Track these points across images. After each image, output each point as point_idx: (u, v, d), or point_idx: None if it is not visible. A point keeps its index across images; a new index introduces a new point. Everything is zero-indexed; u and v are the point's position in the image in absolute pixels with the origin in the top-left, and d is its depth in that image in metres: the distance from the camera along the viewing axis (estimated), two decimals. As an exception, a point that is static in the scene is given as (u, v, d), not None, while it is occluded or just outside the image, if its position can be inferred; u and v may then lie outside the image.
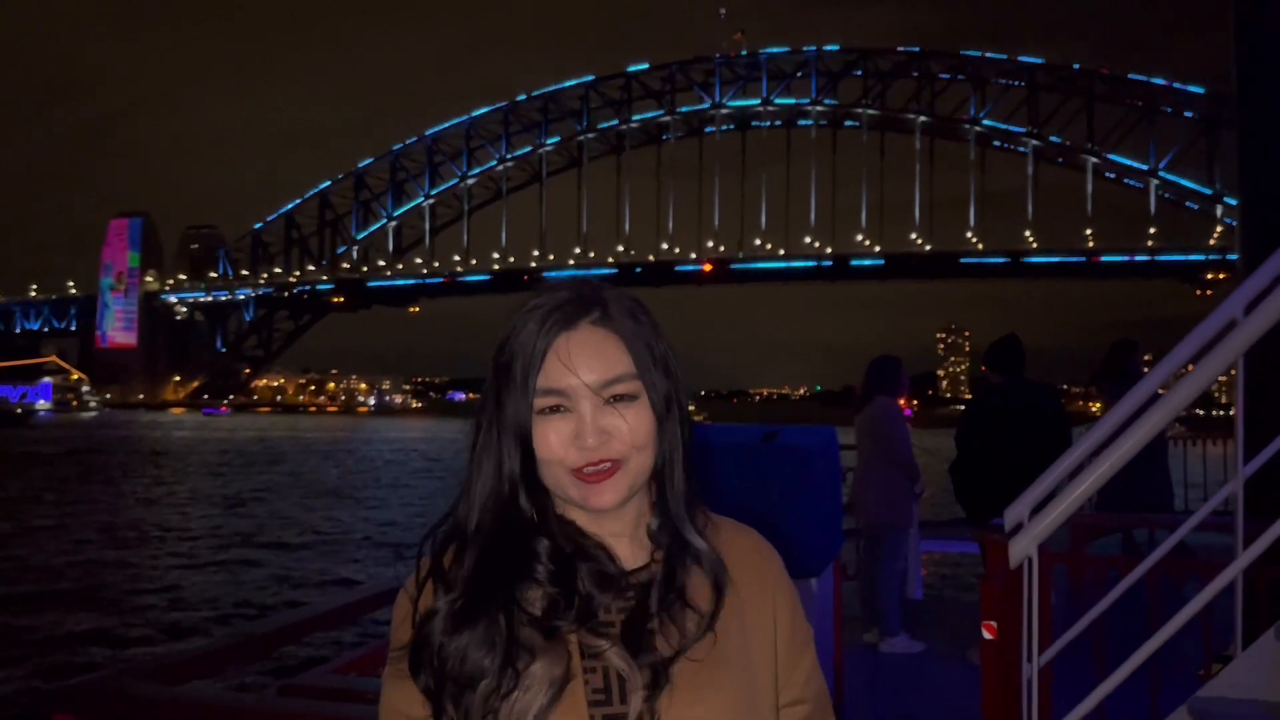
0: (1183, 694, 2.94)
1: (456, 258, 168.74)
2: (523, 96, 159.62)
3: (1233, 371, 2.89)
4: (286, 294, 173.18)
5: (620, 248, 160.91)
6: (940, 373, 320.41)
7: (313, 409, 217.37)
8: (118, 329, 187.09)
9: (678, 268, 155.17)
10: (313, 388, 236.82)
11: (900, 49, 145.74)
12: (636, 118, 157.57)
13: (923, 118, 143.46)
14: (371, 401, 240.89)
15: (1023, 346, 5.58)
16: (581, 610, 1.01)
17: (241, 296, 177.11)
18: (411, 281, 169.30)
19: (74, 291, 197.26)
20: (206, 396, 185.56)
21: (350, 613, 2.88)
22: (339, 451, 56.21)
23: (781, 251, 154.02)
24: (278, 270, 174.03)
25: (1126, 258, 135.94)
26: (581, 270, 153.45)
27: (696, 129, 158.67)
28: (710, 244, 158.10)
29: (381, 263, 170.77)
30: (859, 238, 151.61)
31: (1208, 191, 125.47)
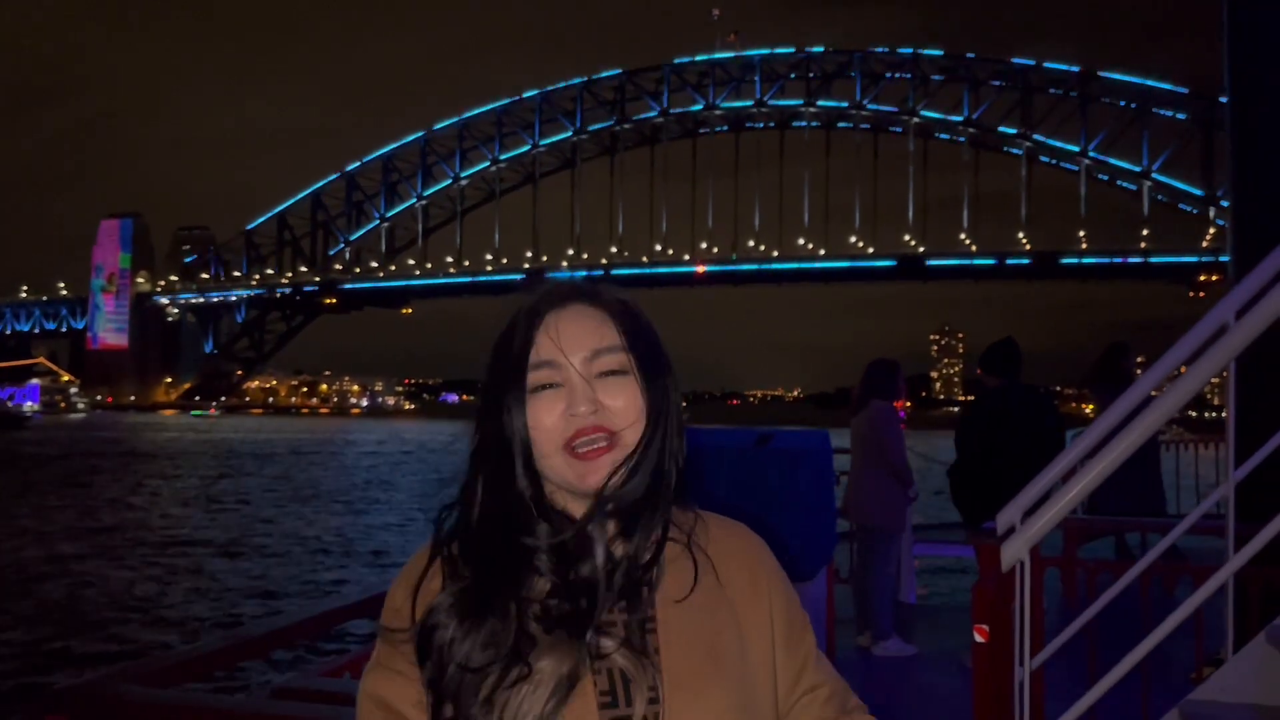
0: (1174, 697, 2.95)
1: (449, 259, 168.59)
2: (516, 97, 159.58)
3: (1224, 375, 2.91)
4: (278, 295, 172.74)
5: (614, 249, 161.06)
6: (934, 374, 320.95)
7: (305, 410, 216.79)
8: (109, 330, 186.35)
9: (671, 269, 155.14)
10: (305, 389, 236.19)
11: (893, 50, 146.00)
12: (630, 119, 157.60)
13: (915, 119, 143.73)
14: (364, 403, 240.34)
15: (1019, 350, 5.60)
16: (586, 607, 1.00)
17: (233, 298, 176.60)
18: (404, 283, 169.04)
19: (65, 293, 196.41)
20: (198, 398, 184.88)
21: (342, 616, 2.88)
22: (327, 454, 56.00)
23: (775, 253, 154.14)
24: (270, 271, 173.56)
25: (1119, 260, 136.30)
26: (576, 272, 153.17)
27: (690, 130, 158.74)
28: (704, 245, 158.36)
29: (374, 264, 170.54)
30: (852, 239, 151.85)
31: (1200, 193, 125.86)
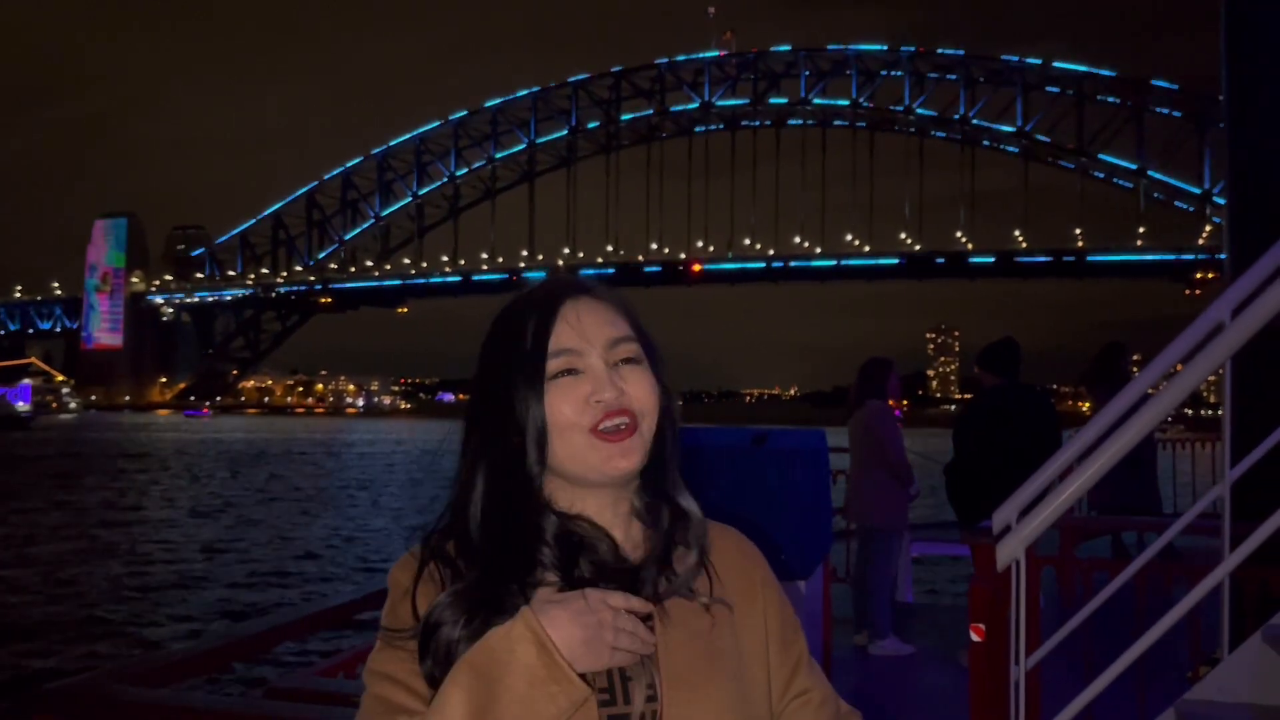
0: (1170, 696, 2.94)
1: (445, 258, 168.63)
2: (512, 96, 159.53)
3: (1220, 373, 2.91)
4: (274, 295, 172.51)
5: (610, 247, 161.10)
6: (930, 373, 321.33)
7: (300, 410, 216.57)
8: (103, 330, 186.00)
9: (667, 267, 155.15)
10: (300, 389, 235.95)
11: (889, 49, 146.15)
12: (626, 117, 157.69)
13: (911, 117, 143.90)
14: (360, 403, 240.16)
15: (1018, 349, 5.59)
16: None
17: (228, 297, 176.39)
18: (399, 282, 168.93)
19: (59, 292, 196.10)
20: (193, 398, 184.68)
21: (335, 616, 2.87)
22: (320, 454, 55.85)
23: (771, 251, 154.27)
24: (265, 271, 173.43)
25: (1116, 257, 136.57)
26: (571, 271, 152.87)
27: (686, 129, 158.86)
28: (700, 244, 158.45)
29: (369, 263, 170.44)
30: (848, 237, 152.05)
31: (1197, 191, 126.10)
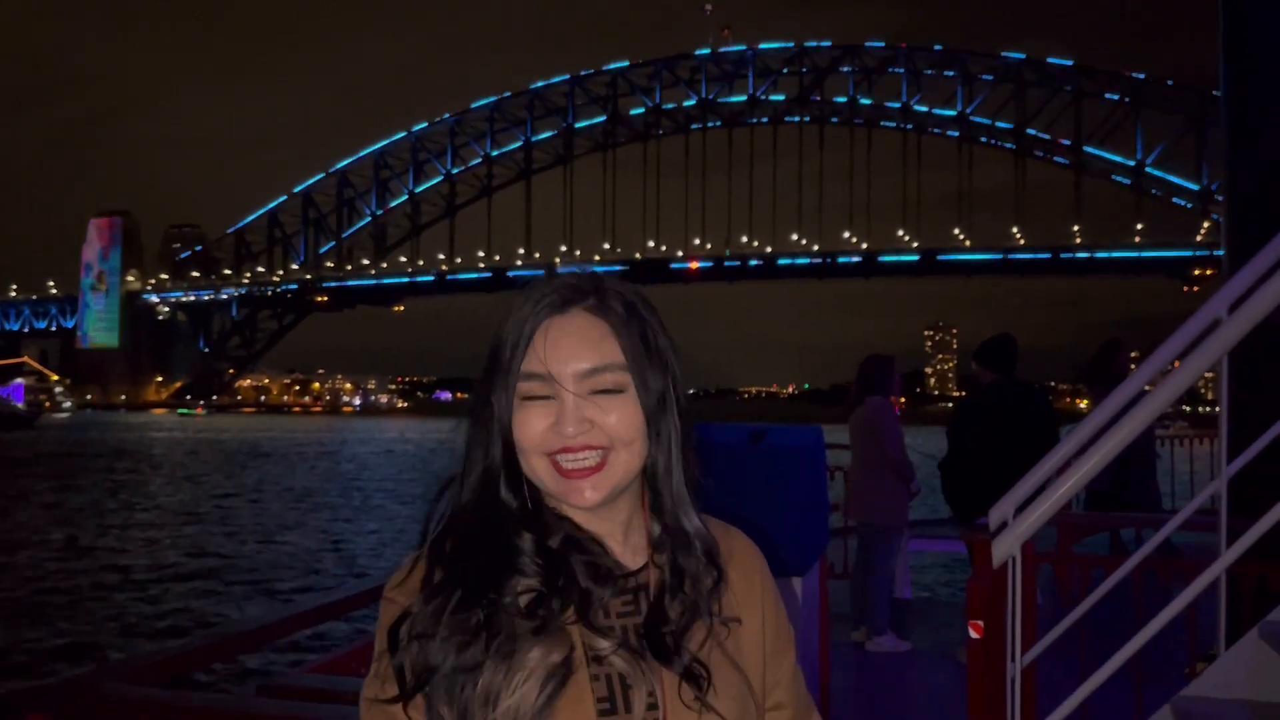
0: (1167, 693, 2.94)
1: (441, 256, 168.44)
2: (508, 94, 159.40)
3: (1218, 370, 2.90)
4: (270, 293, 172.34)
5: (607, 245, 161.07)
6: (928, 370, 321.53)
7: (297, 409, 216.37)
8: (99, 329, 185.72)
9: (664, 265, 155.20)
10: (297, 388, 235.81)
11: (886, 45, 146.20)
12: (623, 115, 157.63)
13: (909, 115, 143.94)
14: (357, 401, 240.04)
15: (1015, 345, 5.58)
16: (581, 604, 0.97)
17: (224, 296, 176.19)
18: (396, 280, 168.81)
19: (55, 291, 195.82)
20: (189, 397, 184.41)
21: (327, 614, 2.86)
22: (311, 454, 55.68)
23: (769, 249, 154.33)
24: (261, 269, 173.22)
25: (1114, 254, 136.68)
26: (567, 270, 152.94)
27: (683, 126, 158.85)
28: (697, 241, 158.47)
29: (365, 261, 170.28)
30: (846, 234, 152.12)
31: (1195, 187, 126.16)
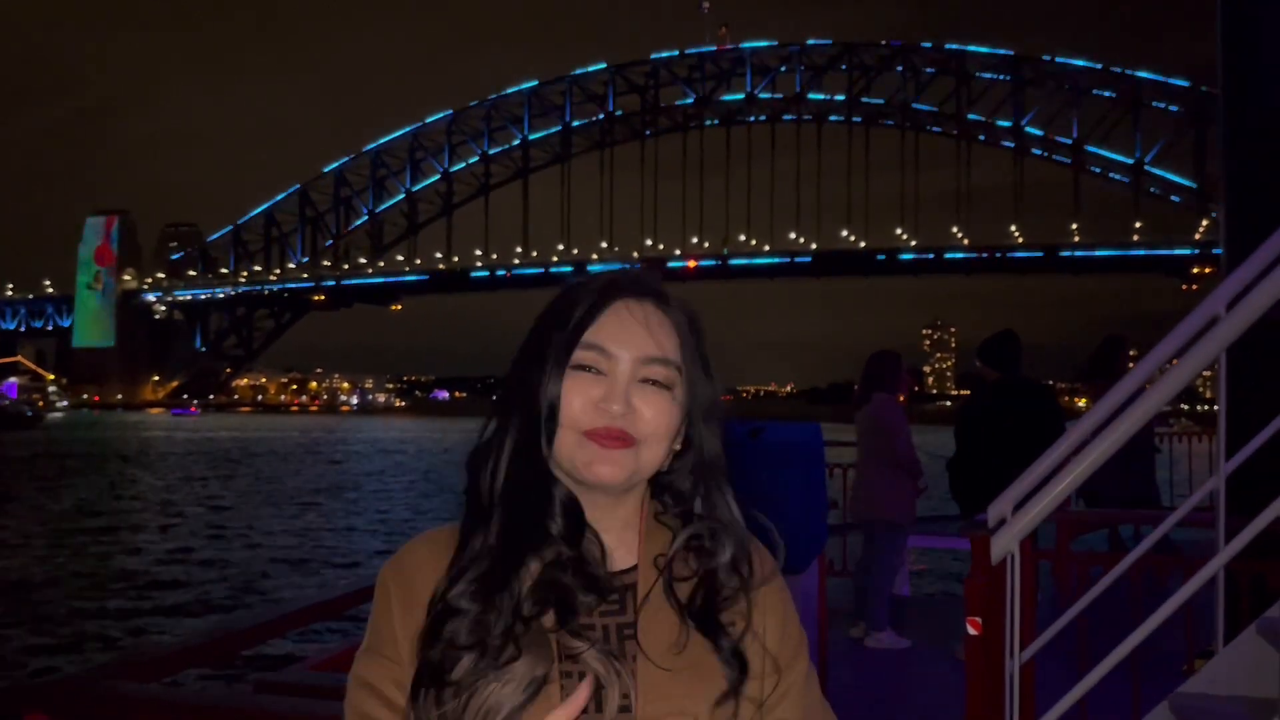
0: (1165, 689, 2.95)
1: (439, 255, 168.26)
2: (506, 92, 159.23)
3: (1216, 367, 2.91)
4: (266, 292, 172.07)
5: (605, 244, 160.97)
6: (926, 369, 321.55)
7: (295, 408, 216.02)
8: (95, 328, 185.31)
9: (665, 264, 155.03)
10: (294, 387, 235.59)
11: (884, 43, 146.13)
12: (620, 113, 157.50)
13: (907, 112, 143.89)
14: (354, 401, 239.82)
15: (1019, 342, 5.56)
16: (562, 609, 0.98)
17: (221, 295, 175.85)
18: (393, 279, 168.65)
19: (51, 290, 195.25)
20: (186, 396, 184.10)
21: (328, 610, 2.86)
22: (303, 453, 55.50)
23: (767, 247, 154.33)
24: (258, 268, 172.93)
25: (1112, 252, 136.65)
26: (566, 269, 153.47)
27: (680, 124, 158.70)
28: (695, 240, 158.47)
29: (363, 260, 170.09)
30: (844, 233, 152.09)
31: (1193, 185, 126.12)
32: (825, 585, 4.17)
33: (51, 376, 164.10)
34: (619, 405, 1.00)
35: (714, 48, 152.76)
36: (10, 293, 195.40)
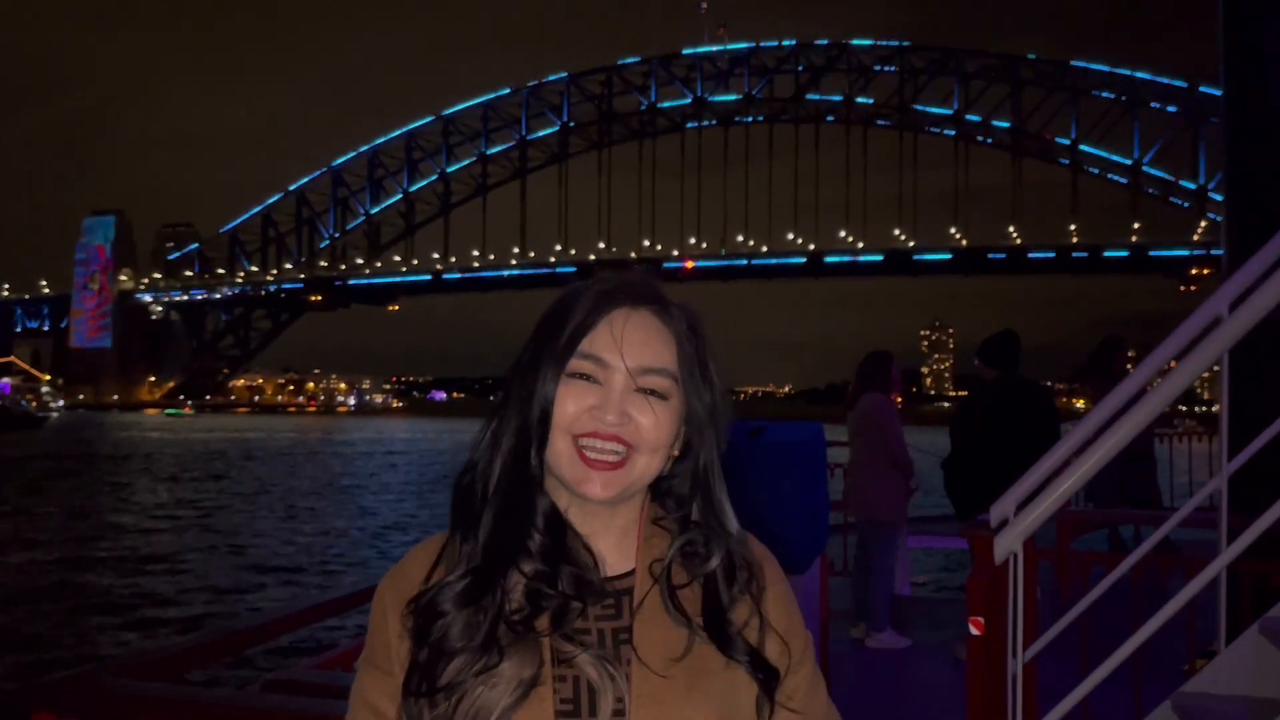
0: (1167, 689, 2.95)
1: (436, 255, 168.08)
2: (503, 91, 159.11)
3: (1216, 368, 2.91)
4: (263, 293, 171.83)
5: (602, 244, 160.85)
6: (925, 370, 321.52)
7: (292, 409, 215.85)
8: (91, 329, 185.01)
9: (661, 265, 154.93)
10: (291, 387, 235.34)
11: (882, 43, 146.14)
12: (618, 113, 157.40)
13: (905, 113, 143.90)
14: (351, 401, 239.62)
15: (1018, 342, 5.56)
16: (557, 614, 0.98)
17: (218, 295, 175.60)
18: (390, 279, 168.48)
19: (47, 291, 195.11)
20: (183, 397, 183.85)
21: (332, 609, 2.86)
22: (298, 454, 55.27)
23: (765, 248, 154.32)
24: (254, 269, 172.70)
25: (1111, 253, 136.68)
26: (565, 268, 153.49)
27: (678, 124, 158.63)
28: (692, 240, 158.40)
29: (360, 261, 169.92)
30: (842, 233, 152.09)
31: (1192, 186, 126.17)
32: (826, 585, 4.17)
33: (47, 377, 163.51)
34: (613, 415, 0.99)
35: (712, 48, 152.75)
36: (6, 293, 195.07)
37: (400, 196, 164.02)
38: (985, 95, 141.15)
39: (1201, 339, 2.87)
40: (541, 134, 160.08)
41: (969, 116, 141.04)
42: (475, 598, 0.97)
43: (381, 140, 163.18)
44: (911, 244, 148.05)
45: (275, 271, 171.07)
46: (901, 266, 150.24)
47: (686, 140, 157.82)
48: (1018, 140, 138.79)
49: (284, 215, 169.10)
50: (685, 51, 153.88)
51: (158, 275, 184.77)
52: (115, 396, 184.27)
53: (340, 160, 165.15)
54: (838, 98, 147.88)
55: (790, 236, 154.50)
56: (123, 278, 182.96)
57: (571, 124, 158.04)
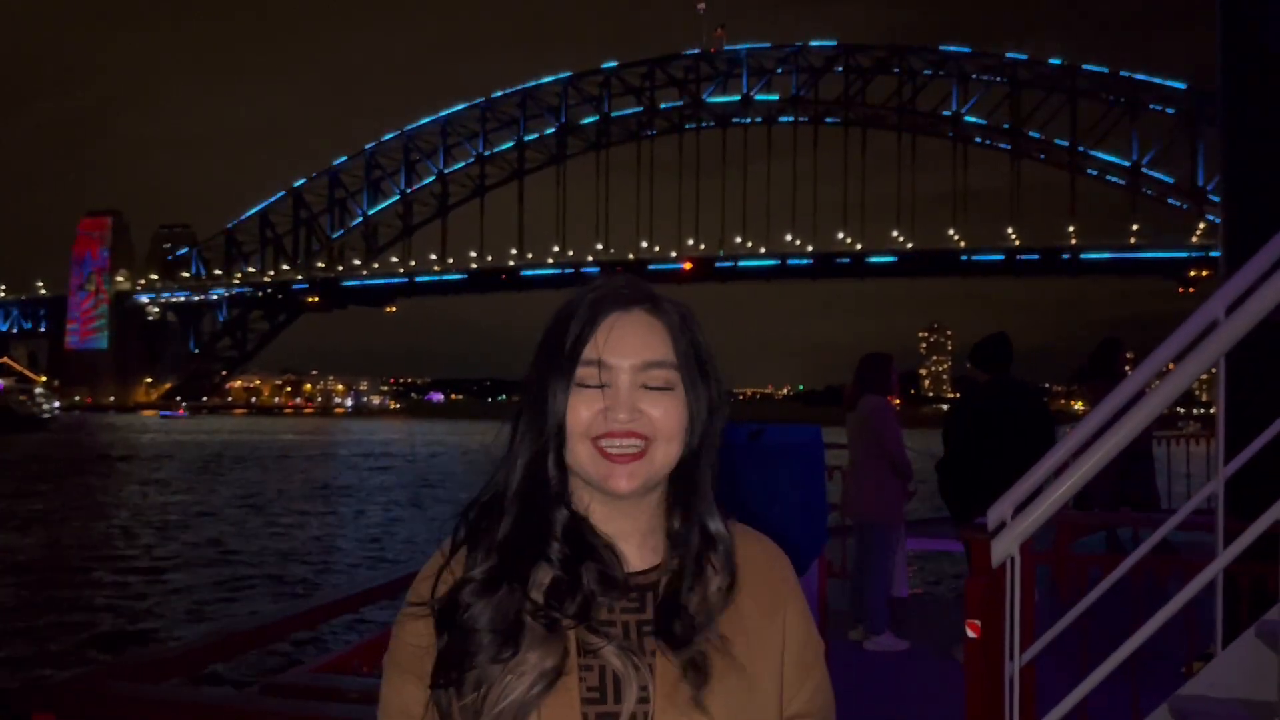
0: (1164, 692, 2.95)
1: (433, 256, 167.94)
2: (501, 93, 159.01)
3: (1213, 371, 2.92)
4: (260, 294, 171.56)
5: (600, 246, 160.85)
6: (923, 371, 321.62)
7: (289, 410, 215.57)
8: (88, 330, 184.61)
9: (658, 266, 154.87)
10: (289, 389, 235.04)
11: (881, 45, 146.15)
12: (616, 114, 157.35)
13: (904, 114, 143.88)
14: (349, 403, 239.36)
15: (1009, 344, 5.58)
16: (581, 608, 1.02)
17: (215, 296, 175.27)
18: (387, 281, 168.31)
19: (43, 292, 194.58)
20: (179, 398, 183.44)
21: (331, 611, 2.86)
22: (292, 455, 55.07)
23: (763, 250, 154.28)
24: (251, 270, 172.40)
25: (1109, 255, 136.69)
26: (563, 268, 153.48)
27: (677, 126, 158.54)
28: (691, 242, 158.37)
29: (357, 261, 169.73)
30: (840, 235, 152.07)
31: (1190, 188, 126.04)
32: (825, 587, 4.18)
33: (42, 378, 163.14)
34: (625, 413, 1.03)
35: (710, 49, 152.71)
36: (2, 294, 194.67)
37: (398, 198, 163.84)
38: (984, 97, 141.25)
39: (1198, 342, 2.88)
40: (539, 135, 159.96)
41: (967, 118, 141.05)
42: (498, 590, 1.01)
43: (379, 141, 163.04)
44: (910, 245, 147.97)
45: (273, 272, 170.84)
46: (901, 268, 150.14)
47: (685, 142, 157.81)
48: (1016, 142, 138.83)
49: (281, 216, 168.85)
50: (684, 53, 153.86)
51: (155, 276, 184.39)
52: (112, 398, 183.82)
53: (338, 161, 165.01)
54: (836, 99, 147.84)
55: (789, 238, 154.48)
56: (119, 279, 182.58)
57: (570, 125, 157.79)
